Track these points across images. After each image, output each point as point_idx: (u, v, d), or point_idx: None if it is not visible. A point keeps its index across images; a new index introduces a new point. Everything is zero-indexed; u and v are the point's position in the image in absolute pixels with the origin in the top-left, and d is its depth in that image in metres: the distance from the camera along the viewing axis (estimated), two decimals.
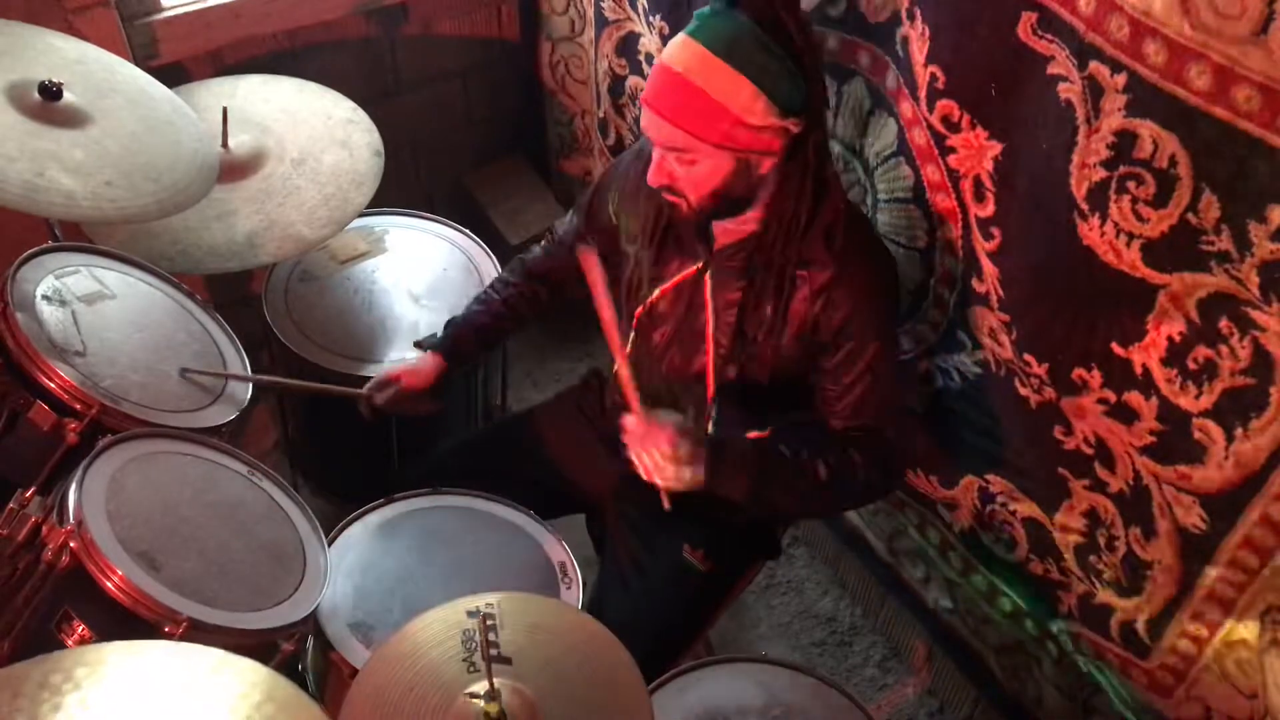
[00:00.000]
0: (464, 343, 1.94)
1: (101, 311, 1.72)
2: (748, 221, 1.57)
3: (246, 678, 1.17)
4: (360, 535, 1.77)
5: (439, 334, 1.96)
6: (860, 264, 1.56)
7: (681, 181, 1.51)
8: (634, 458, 1.58)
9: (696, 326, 1.66)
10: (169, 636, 1.34)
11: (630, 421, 1.57)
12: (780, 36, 1.41)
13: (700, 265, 1.63)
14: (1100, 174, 1.37)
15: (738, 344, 1.63)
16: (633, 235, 1.71)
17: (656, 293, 1.69)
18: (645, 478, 1.58)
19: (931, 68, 1.55)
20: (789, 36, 1.42)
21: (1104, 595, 1.71)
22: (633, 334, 1.74)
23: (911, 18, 1.57)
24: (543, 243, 1.97)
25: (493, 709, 1.24)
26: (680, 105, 1.43)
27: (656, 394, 1.76)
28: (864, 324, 1.56)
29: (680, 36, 1.45)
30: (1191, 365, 1.39)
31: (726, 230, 1.60)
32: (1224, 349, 1.34)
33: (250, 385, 1.83)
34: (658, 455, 1.54)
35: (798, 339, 1.60)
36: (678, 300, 1.67)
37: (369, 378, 1.98)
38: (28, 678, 1.09)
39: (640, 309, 1.71)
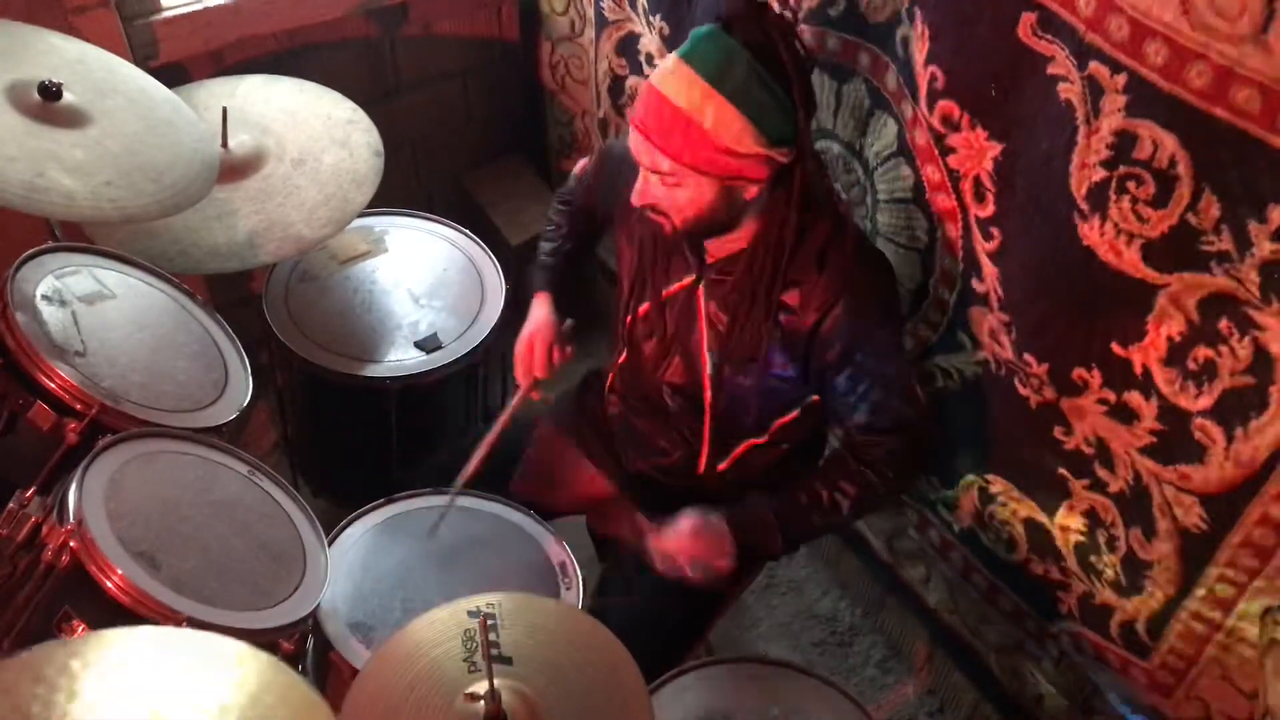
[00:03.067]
0: (560, 279, 1.92)
1: (101, 311, 1.72)
2: (736, 240, 1.58)
3: (247, 666, 1.16)
4: (360, 535, 1.77)
5: (539, 279, 1.93)
6: (858, 282, 1.55)
7: (665, 203, 1.51)
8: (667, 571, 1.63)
9: (691, 338, 1.67)
10: None
11: (650, 545, 1.63)
12: (773, 65, 1.41)
13: (694, 277, 1.64)
14: (1100, 174, 1.37)
15: (727, 358, 1.63)
16: (631, 236, 1.71)
17: (646, 304, 1.69)
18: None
19: (931, 68, 1.55)
20: (782, 65, 1.41)
21: (1104, 595, 1.71)
22: (625, 342, 1.75)
23: (911, 18, 1.57)
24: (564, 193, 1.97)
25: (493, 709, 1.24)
26: (667, 131, 1.42)
27: (653, 403, 1.77)
28: (868, 338, 1.56)
29: (672, 59, 1.44)
30: (1191, 365, 1.39)
31: (718, 245, 1.61)
32: (1224, 349, 1.34)
33: (250, 388, 1.83)
34: (686, 568, 1.60)
35: (792, 359, 1.60)
36: (672, 310, 1.68)
37: (369, 377, 1.99)
38: (50, 661, 1.09)
39: (630, 318, 1.72)
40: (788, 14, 1.78)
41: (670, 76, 1.42)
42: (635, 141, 1.48)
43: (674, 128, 1.42)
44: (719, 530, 1.61)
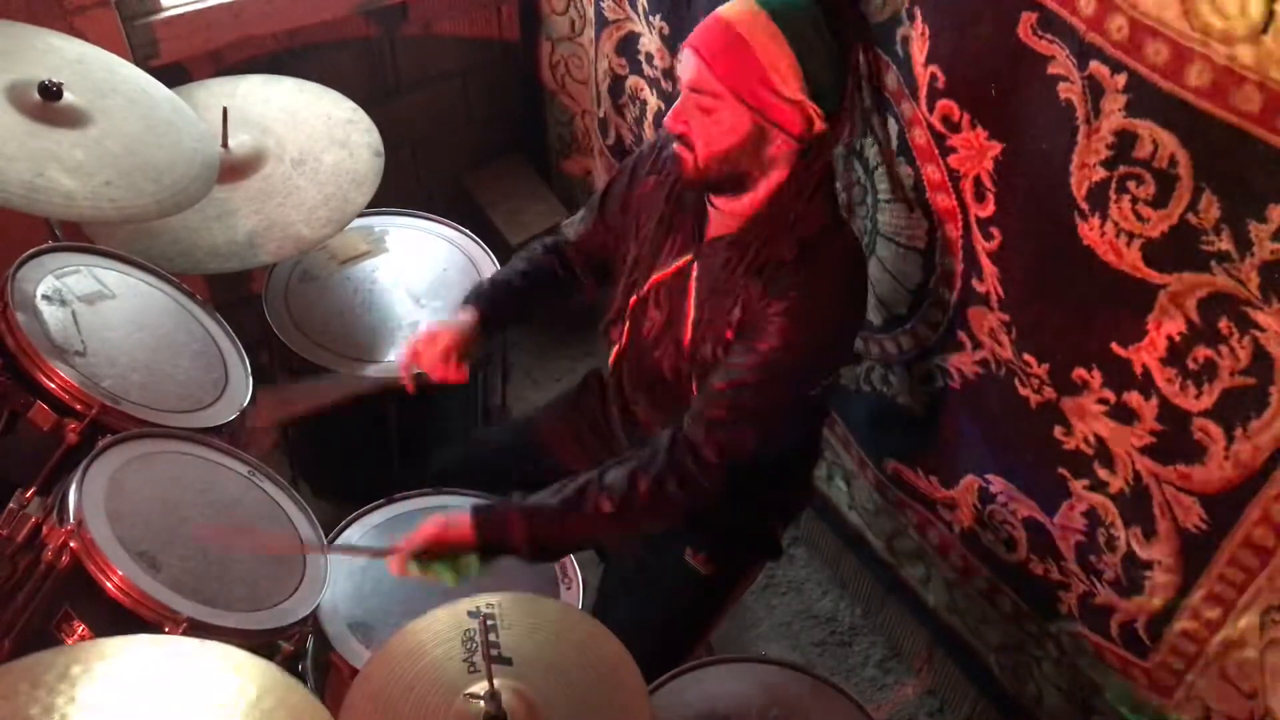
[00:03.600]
0: (498, 302, 1.82)
1: (101, 311, 1.72)
2: (741, 207, 1.55)
3: (247, 672, 1.16)
4: (360, 535, 1.77)
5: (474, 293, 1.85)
6: (821, 290, 1.49)
7: (696, 131, 1.48)
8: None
9: (678, 322, 1.66)
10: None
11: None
12: (838, 21, 1.42)
13: (690, 257, 1.63)
14: (1100, 174, 1.37)
15: (702, 336, 1.60)
16: (640, 226, 1.70)
17: (648, 284, 1.68)
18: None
19: (931, 68, 1.55)
20: (845, 24, 1.42)
21: (1104, 595, 1.71)
22: (626, 325, 1.73)
23: (911, 18, 1.57)
24: (547, 240, 1.91)
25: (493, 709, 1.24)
26: (720, 50, 1.42)
27: (651, 391, 1.76)
28: (780, 348, 1.48)
29: None
30: (1191, 365, 1.39)
31: (719, 220, 1.59)
32: (1224, 349, 1.34)
33: (250, 388, 1.83)
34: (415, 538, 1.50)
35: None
36: (667, 294, 1.67)
37: (370, 378, 1.99)
38: (51, 666, 1.09)
39: (634, 299, 1.71)
40: None
41: (737, 5, 1.43)
42: (685, 59, 1.47)
43: (726, 47, 1.42)
44: (459, 523, 1.52)
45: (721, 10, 1.44)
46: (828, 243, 1.52)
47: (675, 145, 1.52)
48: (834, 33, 1.42)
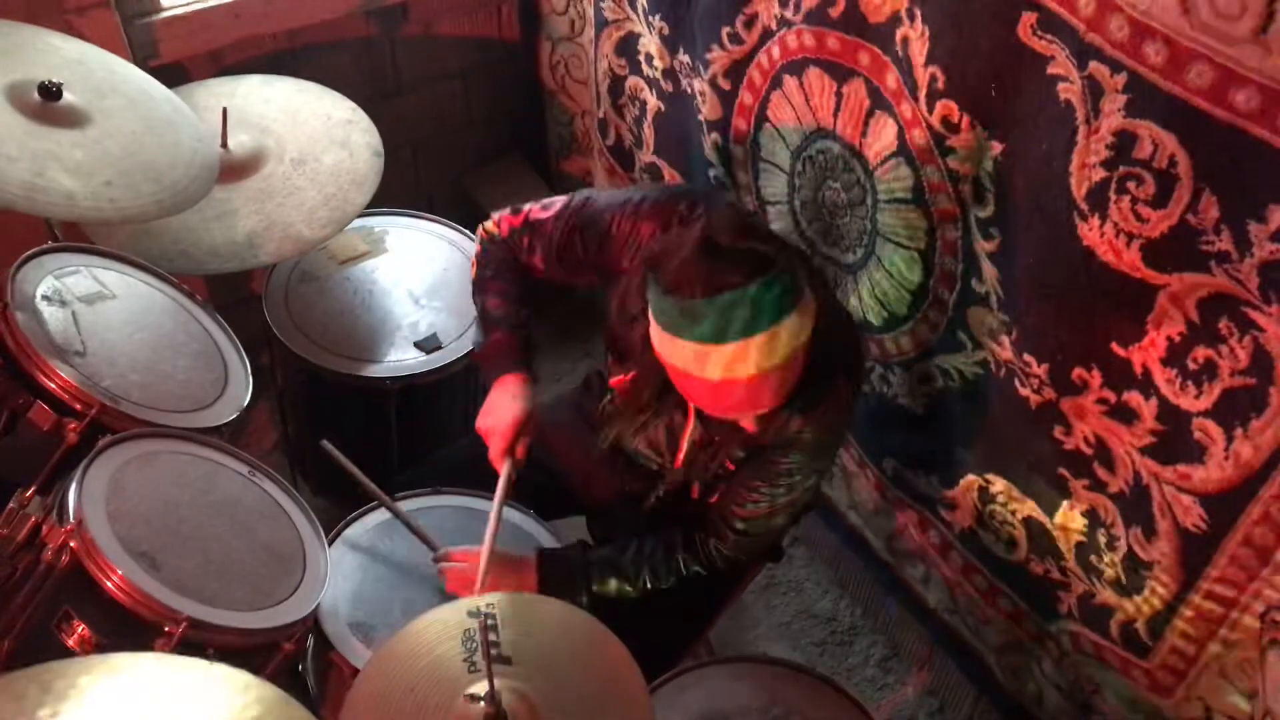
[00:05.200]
0: (523, 346, 1.76)
1: (101, 311, 1.72)
2: None
3: (234, 684, 1.16)
4: (360, 535, 1.77)
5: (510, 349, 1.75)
6: (828, 428, 1.53)
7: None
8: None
9: (676, 420, 1.66)
10: (169, 636, 1.34)
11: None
12: (763, 262, 1.30)
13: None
14: (1100, 174, 1.37)
15: (706, 448, 1.64)
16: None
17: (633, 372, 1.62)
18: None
19: (931, 68, 1.55)
20: (769, 257, 1.31)
21: (1104, 595, 1.71)
22: (615, 395, 1.72)
23: (911, 18, 1.57)
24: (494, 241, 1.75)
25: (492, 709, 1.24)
26: (745, 404, 1.38)
27: (631, 456, 1.76)
28: (805, 466, 1.55)
29: (702, 347, 1.30)
30: (1191, 365, 1.39)
31: None
32: (1224, 349, 1.34)
33: (250, 388, 1.83)
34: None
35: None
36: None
37: (370, 378, 1.99)
38: (37, 681, 1.08)
39: (621, 379, 1.67)
40: (786, 15, 1.79)
41: (727, 366, 1.31)
42: (718, 413, 1.45)
43: (749, 399, 1.36)
44: (524, 568, 1.65)
45: (710, 373, 1.32)
46: (835, 394, 1.51)
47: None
48: (769, 266, 1.30)
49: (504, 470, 1.70)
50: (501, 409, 1.70)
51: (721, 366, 1.30)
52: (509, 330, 1.72)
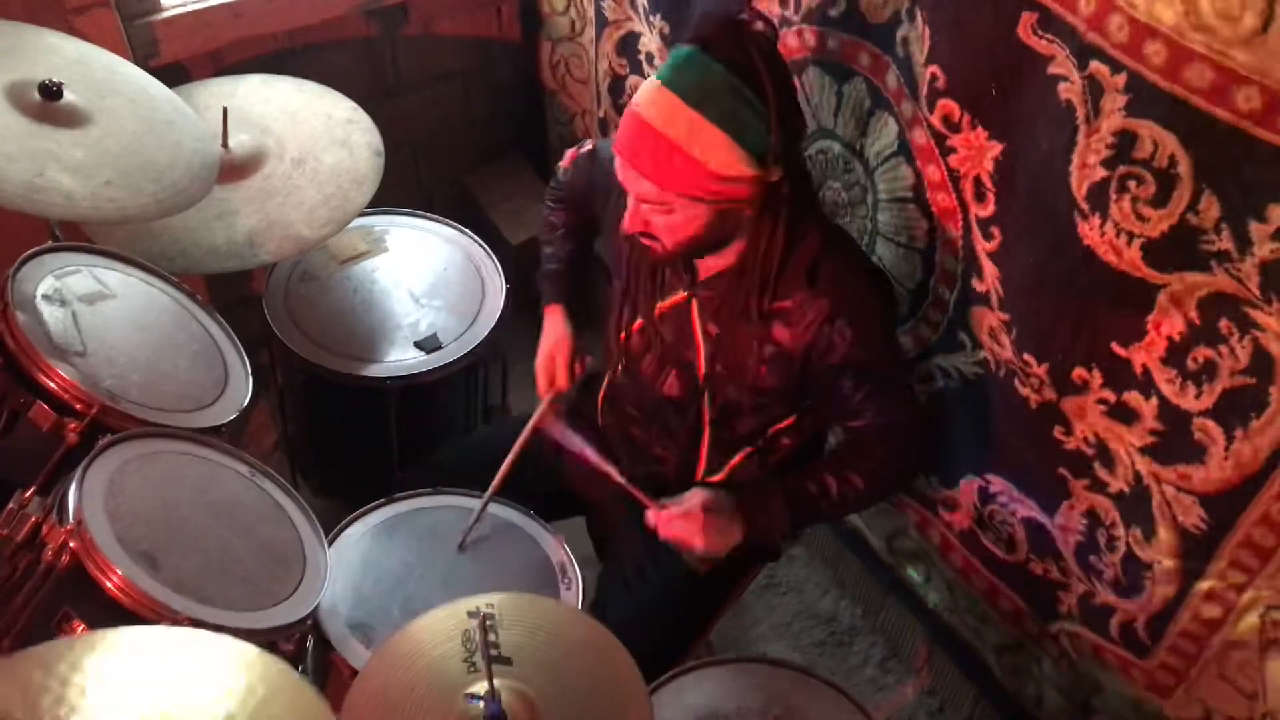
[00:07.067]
0: (566, 278, 1.94)
1: (102, 311, 1.72)
2: (728, 255, 1.58)
3: (241, 660, 1.16)
4: (360, 535, 1.77)
5: (544, 290, 1.95)
6: (852, 295, 1.55)
7: (656, 228, 1.50)
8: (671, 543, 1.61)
9: (687, 352, 1.67)
10: None
11: (653, 519, 1.60)
12: (755, 82, 1.38)
13: (687, 294, 1.64)
14: (1100, 174, 1.37)
15: (722, 370, 1.64)
16: (621, 247, 1.70)
17: (639, 320, 1.70)
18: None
19: (931, 68, 1.55)
20: (761, 82, 1.38)
21: (1104, 595, 1.71)
22: (621, 357, 1.74)
23: (911, 18, 1.57)
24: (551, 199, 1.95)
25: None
26: (655, 162, 1.41)
27: (649, 413, 1.77)
28: (867, 344, 1.56)
29: (653, 83, 1.41)
30: (1191, 365, 1.39)
31: (707, 264, 1.61)
32: (1224, 349, 1.34)
33: (249, 387, 1.83)
34: (695, 544, 1.57)
35: (787, 370, 1.60)
36: (666, 326, 1.67)
37: (370, 378, 1.99)
38: (61, 657, 1.09)
39: (624, 334, 1.72)
40: (786, 15, 1.79)
41: (652, 101, 1.40)
42: (622, 170, 1.46)
43: (660, 157, 1.40)
44: (723, 507, 1.59)
45: (643, 112, 1.40)
46: (830, 255, 1.54)
47: (640, 239, 1.53)
48: (755, 90, 1.38)
49: (553, 393, 1.86)
50: (544, 337, 1.91)
51: (645, 99, 1.41)
52: (554, 261, 1.93)
